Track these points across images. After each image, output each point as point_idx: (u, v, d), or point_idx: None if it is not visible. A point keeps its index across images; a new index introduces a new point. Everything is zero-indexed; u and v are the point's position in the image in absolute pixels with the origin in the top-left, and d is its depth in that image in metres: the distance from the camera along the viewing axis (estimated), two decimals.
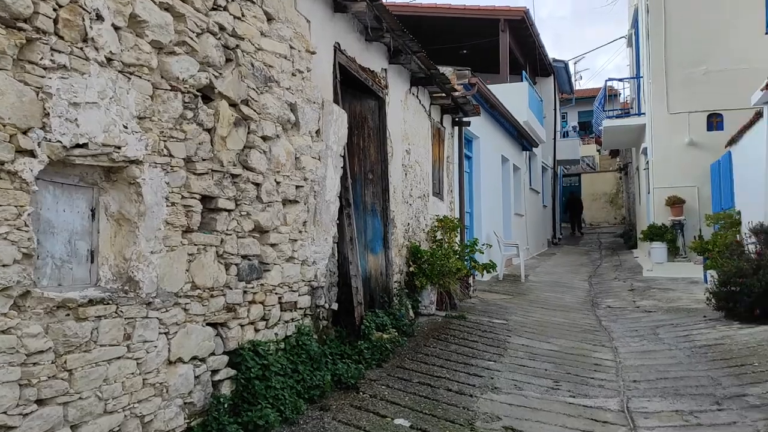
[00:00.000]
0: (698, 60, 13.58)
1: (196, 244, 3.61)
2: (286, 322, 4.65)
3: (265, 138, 4.32)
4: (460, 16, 16.32)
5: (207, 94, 3.78)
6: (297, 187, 4.75)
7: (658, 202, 13.88)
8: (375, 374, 5.15)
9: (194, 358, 3.60)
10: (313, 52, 5.00)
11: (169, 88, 3.42)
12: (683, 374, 5.48)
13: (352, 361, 5.20)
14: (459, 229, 9.58)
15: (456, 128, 10.53)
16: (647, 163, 14.68)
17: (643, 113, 15.39)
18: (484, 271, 9.86)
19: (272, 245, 4.43)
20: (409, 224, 7.92)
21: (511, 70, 17.32)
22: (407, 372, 5.30)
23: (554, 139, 23.38)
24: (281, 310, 4.58)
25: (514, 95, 15.89)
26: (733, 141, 10.90)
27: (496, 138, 14.18)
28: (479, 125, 12.30)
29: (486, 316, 8.04)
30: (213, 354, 3.78)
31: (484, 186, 12.68)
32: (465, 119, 10.44)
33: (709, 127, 13.55)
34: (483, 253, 9.85)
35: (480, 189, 12.43)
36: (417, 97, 8.30)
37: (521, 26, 17.05)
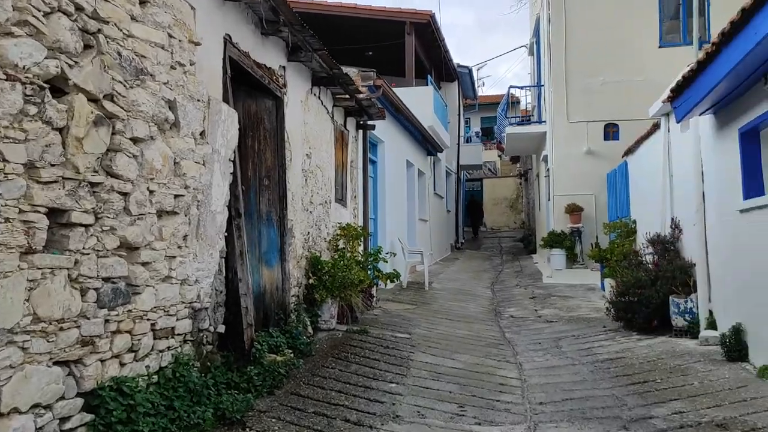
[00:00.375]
0: (597, 70, 13.92)
1: (39, 268, 2.97)
2: (161, 351, 4.05)
3: (135, 140, 3.71)
4: (366, 16, 15.97)
5: (59, 87, 3.14)
6: (176, 196, 4.16)
7: (557, 210, 14.12)
8: (266, 404, 4.63)
9: (36, 405, 2.96)
10: (198, 43, 4.42)
11: (5, 77, 2.78)
12: (588, 393, 5.32)
13: (240, 390, 4.66)
14: (363, 238, 9.19)
15: (360, 132, 10.14)
16: (548, 170, 14.91)
17: (544, 121, 15.65)
18: (388, 281, 9.53)
19: (144, 264, 3.82)
20: (309, 233, 7.43)
21: (417, 74, 17.18)
22: (302, 400, 4.81)
23: (458, 144, 23.57)
24: (155, 338, 3.98)
25: (419, 99, 15.73)
26: (629, 151, 11.15)
27: (402, 142, 13.94)
28: (384, 129, 11.98)
29: (389, 330, 7.68)
30: (62, 398, 3.14)
31: (389, 191, 12.38)
32: (370, 122, 10.07)
33: (606, 137, 13.92)
34: (387, 261, 9.51)
35: (385, 194, 12.11)
36: (319, 98, 7.83)
37: (427, 30, 16.93)
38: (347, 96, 8.43)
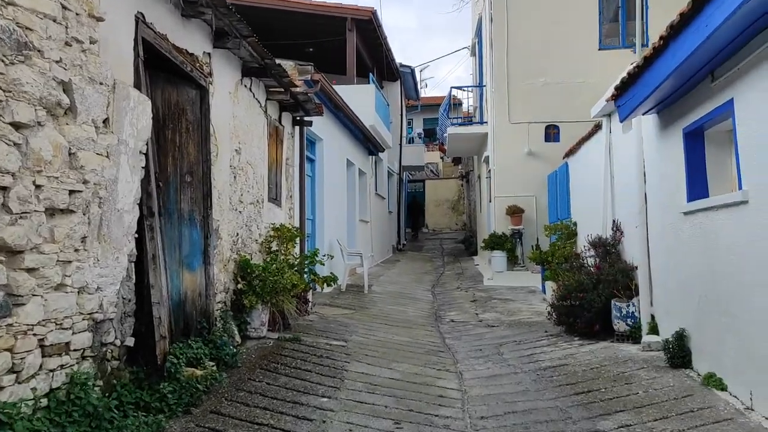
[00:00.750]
0: (539, 71, 13.87)
1: None
2: (52, 370, 3.51)
3: (17, 125, 3.17)
4: (306, 11, 15.49)
5: None
6: (72, 192, 3.63)
7: (498, 211, 13.98)
8: (180, 425, 4.14)
9: None
10: (101, 18, 3.89)
11: None
12: (531, 405, 5.03)
13: (152, 410, 4.15)
14: (298, 239, 8.73)
15: (297, 128, 9.66)
16: (489, 171, 14.78)
17: (486, 122, 15.54)
18: (325, 284, 9.10)
19: (29, 270, 3.29)
20: (238, 234, 6.92)
21: (358, 72, 16.81)
22: (222, 420, 4.34)
23: (400, 144, 23.32)
24: (44, 356, 3.44)
25: (361, 98, 15.35)
26: (570, 152, 11.07)
27: (342, 141, 13.52)
28: (323, 126, 11.54)
29: (324, 337, 7.25)
30: None
31: (328, 191, 11.94)
32: (307, 118, 9.60)
33: (547, 138, 13.87)
34: (324, 264, 9.07)
35: (324, 194, 11.66)
36: (250, 89, 7.34)
37: (369, 27, 16.58)
38: (282, 89, 7.96)
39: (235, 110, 6.78)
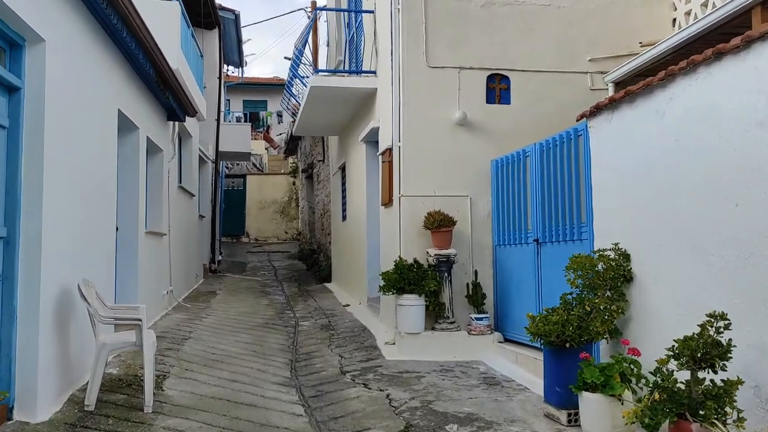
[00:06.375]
0: None
1: None
2: None
3: None
4: None
5: None
6: None
7: (407, 223, 7.87)
8: None
9: None
10: None
11: None
12: None
13: None
14: None
15: None
16: (386, 154, 8.60)
17: (374, 72, 9.37)
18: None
19: None
20: None
21: None
22: None
23: (218, 120, 16.28)
24: None
25: (157, 21, 8.35)
26: (611, 107, 5.29)
27: (108, 73, 6.48)
28: (54, 16, 4.62)
29: None
30: None
31: (61, 171, 4.96)
32: None
33: (491, 98, 8.07)
34: None
35: (46, 177, 4.65)
36: None
37: None
38: None
39: None
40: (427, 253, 7.61)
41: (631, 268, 4.92)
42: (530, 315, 5.09)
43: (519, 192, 7.21)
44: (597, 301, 4.83)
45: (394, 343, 7.61)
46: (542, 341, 4.93)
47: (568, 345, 4.78)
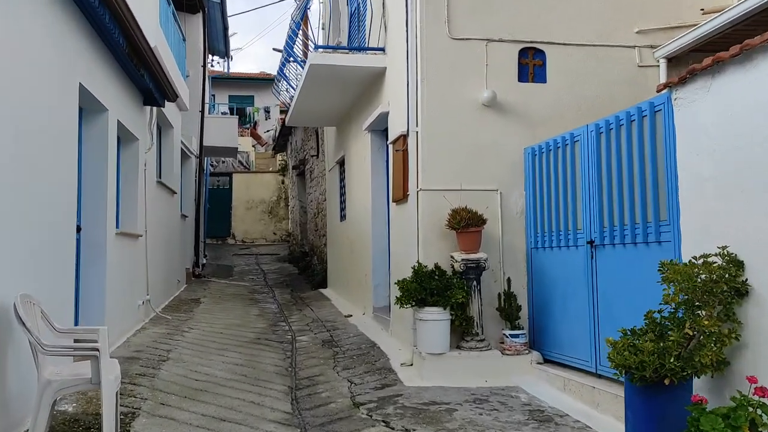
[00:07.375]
0: None
1: None
2: None
3: None
4: None
5: None
6: None
7: (426, 222, 6.66)
8: None
9: None
10: None
11: None
12: None
13: None
14: None
15: None
16: (398, 142, 7.39)
17: (382, 49, 8.16)
18: None
19: None
20: None
21: None
22: None
23: (201, 112, 14.99)
24: None
25: None
26: (712, 69, 4.11)
27: (62, 35, 5.22)
28: None
29: None
30: None
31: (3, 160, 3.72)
32: None
33: (523, 75, 6.89)
34: None
35: None
36: None
37: None
38: None
39: None
40: (452, 257, 6.41)
41: (745, 280, 3.76)
42: (610, 340, 3.91)
43: (564, 184, 6.04)
44: (706, 323, 3.65)
45: (411, 365, 6.41)
46: (629, 375, 3.75)
47: (667, 381, 3.61)
